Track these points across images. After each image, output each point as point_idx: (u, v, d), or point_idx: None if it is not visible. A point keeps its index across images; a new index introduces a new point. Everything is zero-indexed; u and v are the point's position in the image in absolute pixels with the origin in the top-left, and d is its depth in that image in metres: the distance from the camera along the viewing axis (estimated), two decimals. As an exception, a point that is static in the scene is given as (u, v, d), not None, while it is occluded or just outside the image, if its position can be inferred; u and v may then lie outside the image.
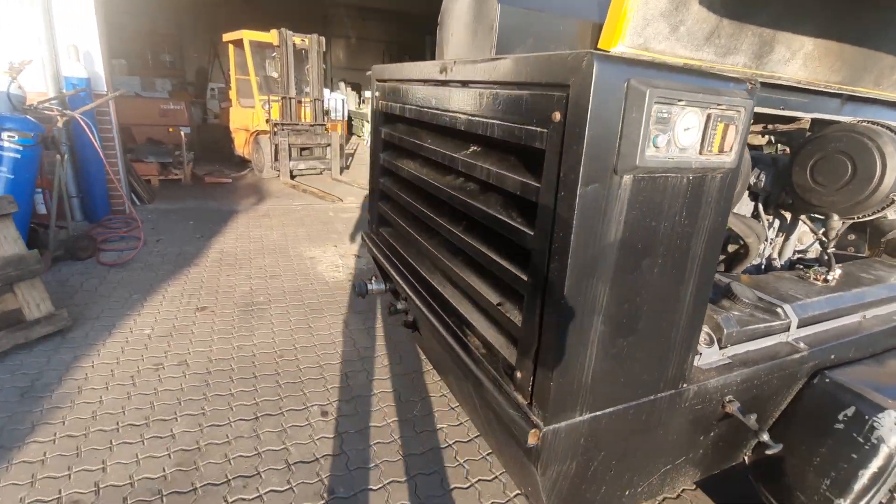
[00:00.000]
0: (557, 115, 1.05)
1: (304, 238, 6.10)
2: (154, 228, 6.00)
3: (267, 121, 9.10)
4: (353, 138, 17.00)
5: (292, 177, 9.43)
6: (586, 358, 1.18)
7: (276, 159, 9.19)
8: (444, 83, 1.62)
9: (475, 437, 2.85)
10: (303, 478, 2.45)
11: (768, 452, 1.56)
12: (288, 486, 2.40)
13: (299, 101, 9.24)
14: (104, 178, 5.87)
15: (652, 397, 1.37)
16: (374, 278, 2.50)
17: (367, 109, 17.60)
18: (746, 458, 2.07)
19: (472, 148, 1.53)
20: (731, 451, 1.95)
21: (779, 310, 1.82)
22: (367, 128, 16.81)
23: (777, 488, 1.93)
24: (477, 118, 1.40)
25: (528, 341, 1.25)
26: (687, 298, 1.30)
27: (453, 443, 2.79)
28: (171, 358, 3.36)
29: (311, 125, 9.35)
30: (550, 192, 1.09)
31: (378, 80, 2.25)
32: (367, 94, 20.09)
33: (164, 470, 2.43)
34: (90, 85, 5.59)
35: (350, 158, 12.09)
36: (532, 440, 1.20)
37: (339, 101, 11.61)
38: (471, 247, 1.51)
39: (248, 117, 9.74)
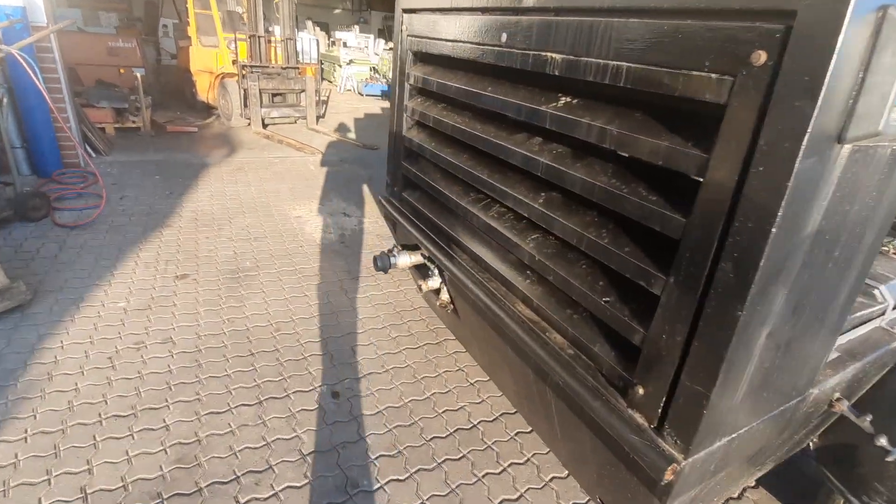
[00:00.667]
0: (762, 57, 0.74)
1: (286, 195, 5.63)
2: (116, 184, 5.40)
3: (234, 62, 8.27)
4: (324, 84, 15.97)
5: (264, 126, 8.72)
6: (744, 375, 0.94)
7: (245, 106, 8.43)
8: (522, 11, 1.26)
9: (500, 415, 2.67)
10: (321, 470, 2.22)
11: (888, 459, 1.39)
12: (306, 481, 2.16)
13: (269, 41, 8.40)
14: (52, 125, 5.17)
15: (782, 408, 1.16)
16: (395, 250, 2.19)
17: (337, 52, 16.47)
18: (812, 442, 1.94)
19: (565, 99, 1.20)
20: (805, 440, 1.80)
21: (875, 292, 1.62)
22: (340, 72, 15.80)
23: (849, 475, 1.81)
24: (586, 60, 1.07)
25: (661, 352, 0.99)
26: (844, 295, 1.05)
27: (478, 422, 2.60)
28: (154, 335, 3.00)
29: (284, 68, 8.57)
30: (733, 165, 0.80)
31: (406, 11, 1.84)
32: (338, 34, 18.77)
33: (161, 468, 2.14)
34: (26, 15, 4.79)
35: (324, 106, 11.30)
36: (668, 476, 0.97)
37: (311, 41, 10.67)
38: (562, 227, 1.22)
39: (211, 58, 8.83)
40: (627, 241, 1.06)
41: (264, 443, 2.33)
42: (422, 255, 2.16)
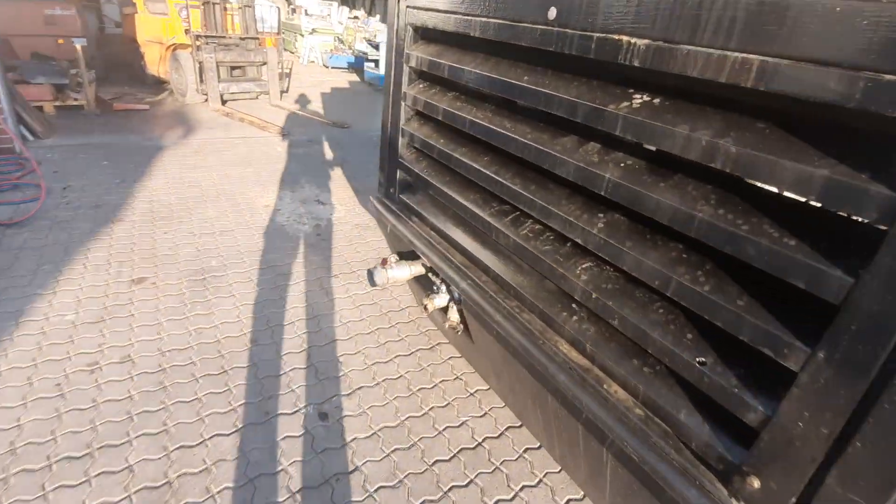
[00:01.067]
0: None
1: (251, 181, 5.18)
2: (57, 172, 4.83)
3: (186, 32, 7.55)
4: (286, 55, 15.08)
5: (223, 102, 8.08)
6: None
7: (201, 80, 7.76)
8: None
9: (505, 429, 2.46)
10: (314, 510, 1.96)
11: None
12: (297, 525, 1.90)
13: (225, 8, 7.70)
14: (-23, 106, 4.54)
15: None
16: (392, 261, 1.90)
17: (299, 20, 15.54)
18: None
19: (643, 99, 0.92)
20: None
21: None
22: (302, 42, 14.95)
23: None
24: (688, 49, 0.79)
25: (793, 443, 0.76)
26: None
27: (483, 440, 2.39)
28: (109, 353, 2.63)
29: (242, 38, 7.90)
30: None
31: (404, -23, 1.51)
32: (298, 1, 17.71)
33: (125, 522, 1.84)
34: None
35: (287, 80, 10.62)
36: None
37: (271, 9, 9.88)
38: (636, 263, 0.96)
39: (160, 27, 8.05)
40: (739, 291, 0.82)
41: (247, 480, 2.04)
42: (423, 265, 1.88)
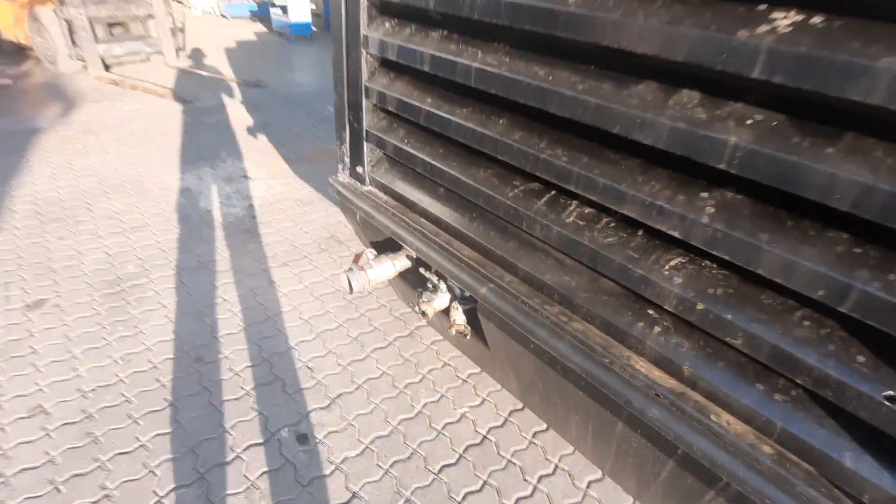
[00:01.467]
0: None
1: (159, 160, 4.43)
2: None
3: (42, -16, 6.21)
4: (175, 6, 13.20)
5: (107, 68, 6.89)
6: None
7: (73, 43, 6.51)
8: None
9: (508, 415, 2.24)
10: (313, 560, 1.66)
11: None
12: (297, 584, 1.60)
13: (87, -48, 6.37)
14: None
15: None
16: (370, 256, 1.52)
17: (183, -36, 13.51)
18: None
19: (788, 17, 0.59)
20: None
21: None
22: (191, -9, 13.12)
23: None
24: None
25: None
26: None
27: (487, 431, 2.15)
28: (11, 407, 2.09)
29: (117, -11, 6.64)
30: None
31: None
32: (178, -59, 15.41)
33: None
34: None
35: (182, 35, 9.26)
36: None
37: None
38: (782, 264, 0.66)
39: (6, -20, 6.58)
40: None
41: (222, 540, 1.69)
42: (408, 257, 1.52)
